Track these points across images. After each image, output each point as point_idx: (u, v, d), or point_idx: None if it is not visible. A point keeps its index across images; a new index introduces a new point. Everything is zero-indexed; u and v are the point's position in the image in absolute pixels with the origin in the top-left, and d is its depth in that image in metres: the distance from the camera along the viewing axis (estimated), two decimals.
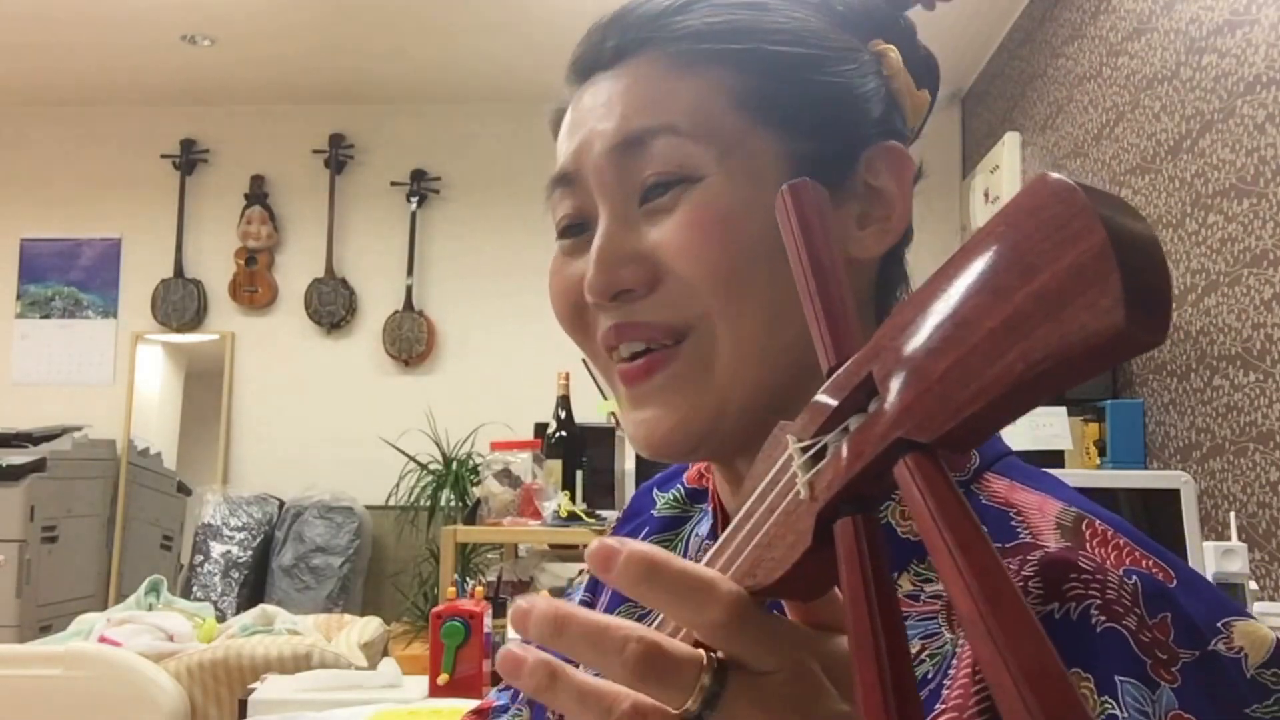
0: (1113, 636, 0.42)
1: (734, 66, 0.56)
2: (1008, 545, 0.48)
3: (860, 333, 0.33)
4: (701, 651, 0.34)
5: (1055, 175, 0.25)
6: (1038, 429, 2.52)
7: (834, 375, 0.32)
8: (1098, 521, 0.48)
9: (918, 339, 0.28)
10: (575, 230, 0.60)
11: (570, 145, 0.60)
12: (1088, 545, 0.46)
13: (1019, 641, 0.23)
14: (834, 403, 0.31)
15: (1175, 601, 0.43)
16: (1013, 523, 0.49)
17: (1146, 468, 2.82)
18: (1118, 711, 0.40)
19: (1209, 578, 1.63)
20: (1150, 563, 0.45)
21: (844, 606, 0.29)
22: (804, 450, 0.32)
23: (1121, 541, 0.47)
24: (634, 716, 0.34)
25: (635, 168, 0.56)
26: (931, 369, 0.27)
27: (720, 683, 0.34)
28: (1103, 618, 0.42)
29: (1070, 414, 2.78)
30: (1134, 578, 0.44)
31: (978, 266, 0.26)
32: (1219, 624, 0.43)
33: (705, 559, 0.38)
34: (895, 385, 0.28)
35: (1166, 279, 0.23)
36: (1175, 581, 0.45)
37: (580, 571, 0.76)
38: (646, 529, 0.72)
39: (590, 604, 0.72)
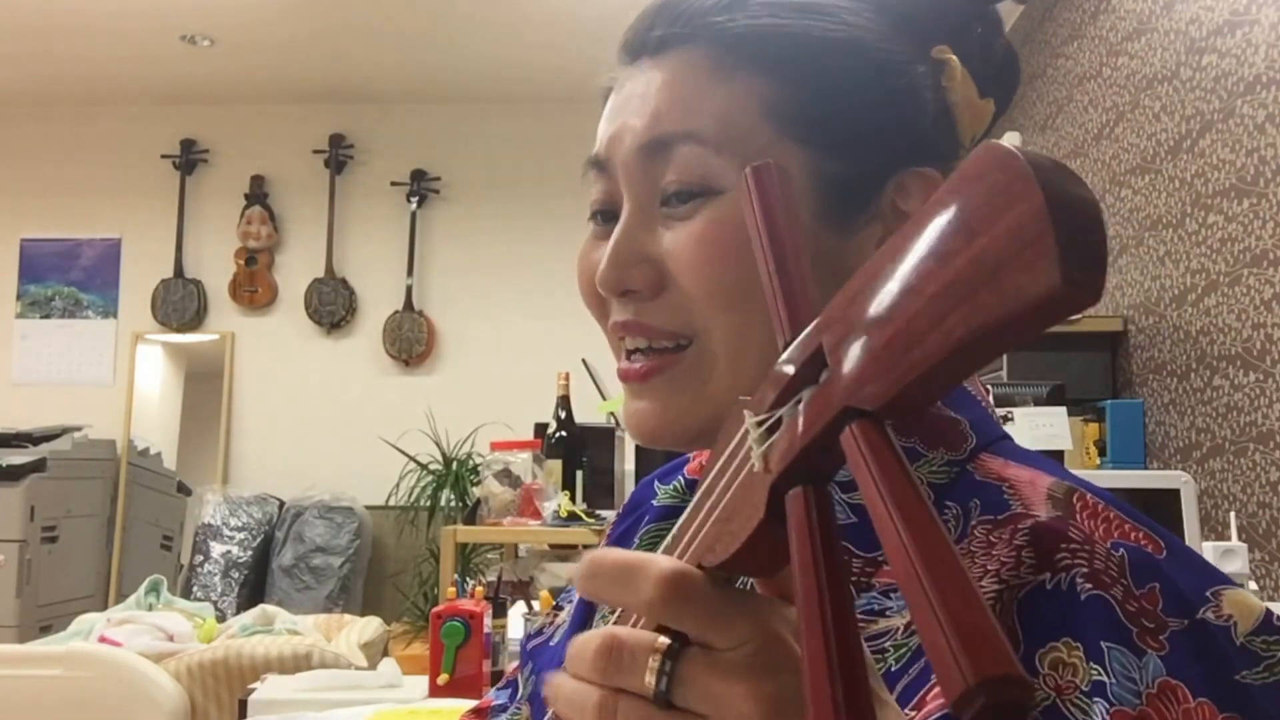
0: (1097, 603, 0.42)
1: (771, 75, 0.55)
2: (1000, 517, 0.48)
3: (817, 308, 0.33)
4: (657, 635, 0.35)
5: (999, 143, 0.25)
6: (1037, 429, 2.51)
7: (788, 348, 0.33)
8: (1089, 495, 0.48)
9: (866, 308, 0.28)
10: (605, 217, 0.60)
11: (606, 131, 0.59)
12: (1078, 516, 0.47)
13: (953, 602, 0.23)
14: (788, 375, 0.32)
15: (1163, 572, 0.43)
16: (1005, 495, 0.50)
17: (1146, 468, 2.82)
18: (1104, 678, 0.40)
19: None
20: (1140, 534, 0.46)
21: (794, 578, 0.29)
22: (759, 424, 0.33)
23: (1111, 514, 0.47)
24: (601, 709, 0.35)
25: (659, 170, 0.56)
26: (877, 337, 0.27)
27: (670, 659, 0.34)
28: (1088, 585, 0.42)
29: (1070, 414, 2.77)
30: (1121, 550, 0.44)
31: (925, 234, 0.26)
32: (1208, 593, 0.43)
33: (670, 535, 0.38)
34: (843, 355, 0.28)
35: (1102, 240, 0.23)
36: (1164, 553, 0.45)
37: None
38: (647, 518, 0.72)
39: (590, 603, 0.72)
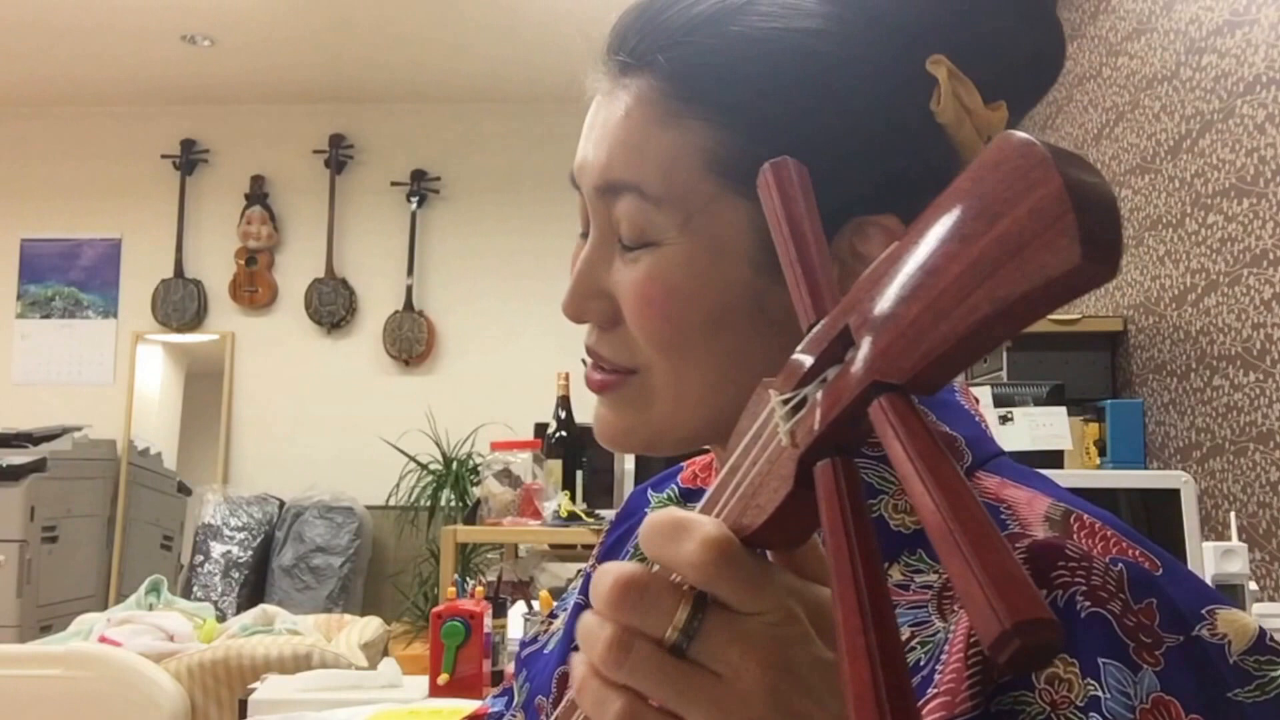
0: (1096, 620, 0.42)
1: (719, 123, 0.53)
2: None
3: (838, 292, 0.34)
4: (680, 588, 0.35)
5: (1015, 132, 0.26)
6: (1037, 429, 2.51)
7: (812, 331, 0.34)
8: (1086, 515, 0.49)
9: (891, 289, 0.29)
10: (586, 232, 0.61)
11: (579, 153, 0.59)
12: (1076, 537, 0.47)
13: (985, 552, 0.25)
14: (812, 357, 0.33)
15: (1160, 588, 0.44)
16: (1002, 516, 0.50)
17: (1146, 468, 2.82)
18: (1100, 693, 0.41)
19: (1209, 578, 1.63)
20: (1136, 552, 0.46)
21: (825, 540, 0.30)
22: (785, 403, 0.34)
23: (1109, 534, 0.47)
24: (616, 646, 0.35)
25: (611, 213, 0.57)
26: (903, 315, 0.28)
27: (699, 615, 0.34)
28: (1088, 603, 0.43)
29: (1070, 414, 2.77)
30: (1120, 565, 0.45)
31: (946, 217, 0.28)
32: (1203, 610, 0.44)
33: (696, 510, 0.38)
34: (869, 333, 0.30)
35: (1117, 221, 0.25)
36: (1161, 570, 0.45)
37: (577, 573, 0.77)
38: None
39: (584, 605, 0.72)
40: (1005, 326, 0.26)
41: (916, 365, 0.28)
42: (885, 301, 0.29)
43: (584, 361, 0.61)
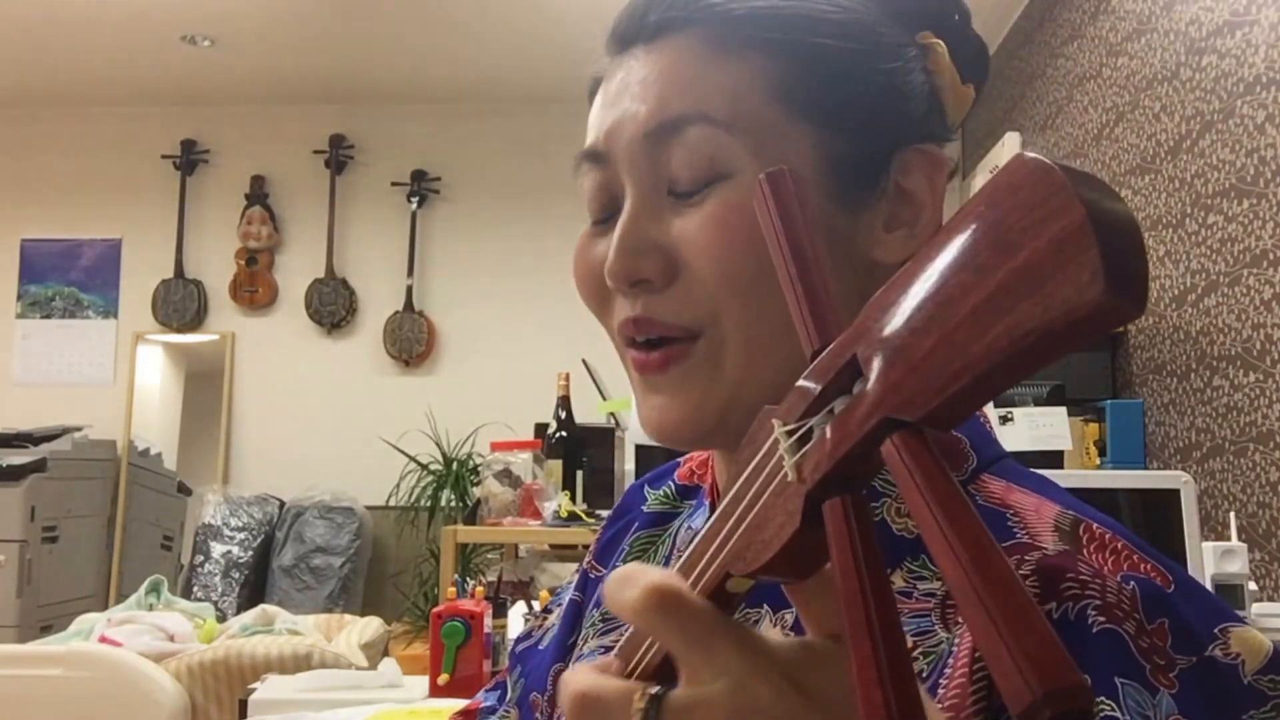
0: (1111, 637, 0.42)
1: (776, 56, 0.55)
2: (1004, 545, 0.47)
3: (843, 316, 0.33)
4: (641, 685, 0.35)
5: (1033, 154, 0.25)
6: (1037, 429, 2.51)
7: (818, 358, 0.32)
8: (1095, 525, 0.48)
9: (901, 319, 0.28)
10: (603, 215, 0.58)
11: (604, 121, 0.57)
12: (1086, 549, 0.46)
13: (1011, 613, 0.24)
14: (818, 386, 0.32)
15: (1173, 608, 0.43)
16: (1009, 523, 0.49)
17: (1146, 468, 2.82)
18: (1118, 714, 0.40)
19: (1208, 578, 1.63)
20: (1148, 566, 0.45)
21: (836, 583, 0.29)
22: (790, 434, 0.32)
23: (1120, 545, 0.47)
24: None
25: (666, 155, 0.54)
26: (916, 348, 0.27)
27: (656, 704, 0.34)
28: (1101, 619, 0.42)
29: (1070, 414, 2.77)
30: (1132, 583, 0.44)
31: (959, 245, 0.26)
32: (1216, 630, 0.43)
33: (693, 544, 0.38)
34: (880, 365, 0.28)
35: (1143, 253, 0.23)
36: (1173, 586, 0.45)
37: (575, 572, 0.77)
38: (635, 525, 0.72)
39: (579, 602, 0.73)
40: (1026, 362, 0.24)
41: (930, 402, 0.26)
42: (896, 331, 0.28)
43: (635, 339, 0.56)
